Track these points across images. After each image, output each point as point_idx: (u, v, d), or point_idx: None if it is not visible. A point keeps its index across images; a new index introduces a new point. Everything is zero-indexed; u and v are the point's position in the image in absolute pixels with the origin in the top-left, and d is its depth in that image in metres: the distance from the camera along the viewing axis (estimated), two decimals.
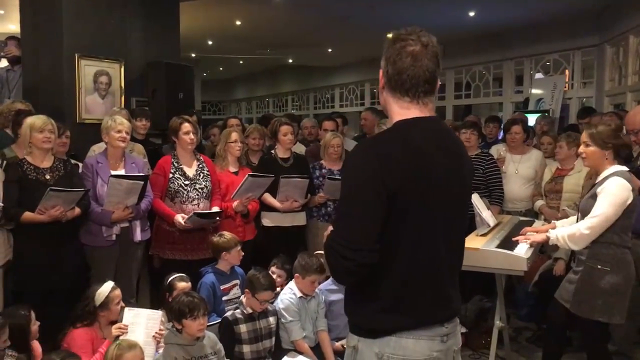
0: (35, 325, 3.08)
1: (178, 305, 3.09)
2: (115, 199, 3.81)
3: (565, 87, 8.24)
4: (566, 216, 3.98)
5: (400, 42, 1.71)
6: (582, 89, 8.39)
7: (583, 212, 3.27)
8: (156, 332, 3.24)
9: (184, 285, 3.54)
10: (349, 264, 1.63)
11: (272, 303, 3.68)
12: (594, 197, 3.18)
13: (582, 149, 3.32)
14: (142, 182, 3.87)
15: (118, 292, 3.31)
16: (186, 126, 4.20)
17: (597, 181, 3.28)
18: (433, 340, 1.74)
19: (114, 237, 3.92)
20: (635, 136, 3.94)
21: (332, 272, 1.73)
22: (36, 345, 3.09)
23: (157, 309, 3.54)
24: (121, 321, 3.21)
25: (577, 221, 3.36)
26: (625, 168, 3.25)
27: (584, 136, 3.30)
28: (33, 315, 3.07)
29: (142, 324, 3.26)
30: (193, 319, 3.07)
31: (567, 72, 8.55)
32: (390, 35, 1.75)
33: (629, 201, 3.11)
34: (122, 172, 3.97)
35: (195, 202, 4.19)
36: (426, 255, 1.71)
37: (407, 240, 1.67)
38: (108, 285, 3.31)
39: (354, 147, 1.82)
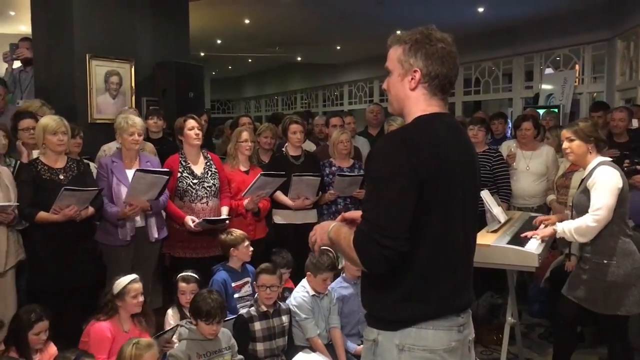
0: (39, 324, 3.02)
1: (199, 304, 3.13)
2: (136, 192, 3.81)
3: (575, 82, 8.19)
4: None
5: (441, 42, 1.75)
6: (593, 83, 8.33)
7: (576, 207, 3.30)
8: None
9: (184, 286, 3.59)
10: (389, 252, 1.62)
11: (284, 301, 3.71)
12: (585, 191, 3.21)
13: (565, 144, 3.41)
14: (167, 177, 3.87)
15: (138, 285, 3.29)
16: (190, 122, 4.23)
17: (584, 175, 3.33)
18: (451, 330, 1.76)
19: (128, 237, 3.92)
20: None
21: (367, 261, 1.67)
22: (50, 346, 3.10)
23: (168, 308, 3.60)
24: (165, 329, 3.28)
25: (570, 217, 3.40)
26: (608, 158, 3.33)
27: (566, 133, 3.41)
28: (39, 315, 3.03)
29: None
30: (206, 323, 3.13)
31: (577, 66, 8.49)
32: (419, 34, 1.75)
33: (620, 185, 3.16)
34: None
35: (204, 200, 4.20)
36: (447, 246, 1.73)
37: (430, 230, 1.69)
38: (129, 277, 3.31)
39: (381, 138, 1.84)
